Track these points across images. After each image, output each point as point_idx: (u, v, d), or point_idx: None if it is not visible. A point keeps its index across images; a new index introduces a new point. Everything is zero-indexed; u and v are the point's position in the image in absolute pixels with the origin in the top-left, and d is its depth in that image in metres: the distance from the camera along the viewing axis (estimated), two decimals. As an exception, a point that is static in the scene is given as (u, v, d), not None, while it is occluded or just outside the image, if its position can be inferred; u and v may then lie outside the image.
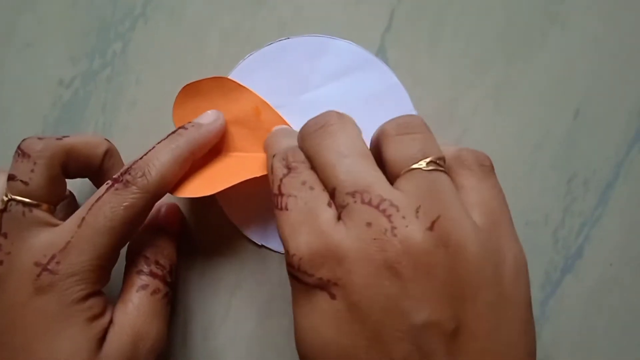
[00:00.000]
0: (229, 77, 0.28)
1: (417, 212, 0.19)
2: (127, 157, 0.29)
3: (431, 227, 0.18)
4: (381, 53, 0.29)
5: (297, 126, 0.28)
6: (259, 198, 0.28)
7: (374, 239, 0.18)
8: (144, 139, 0.29)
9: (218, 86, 0.27)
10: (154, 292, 0.24)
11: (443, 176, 0.20)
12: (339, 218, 0.20)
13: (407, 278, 0.18)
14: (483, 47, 0.29)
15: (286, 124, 0.27)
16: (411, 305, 0.18)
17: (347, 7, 0.29)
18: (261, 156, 0.27)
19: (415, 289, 0.18)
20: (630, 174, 0.29)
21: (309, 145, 0.21)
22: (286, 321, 0.28)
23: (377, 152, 0.22)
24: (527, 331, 0.20)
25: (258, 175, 0.25)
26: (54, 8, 0.30)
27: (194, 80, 0.27)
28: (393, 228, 0.18)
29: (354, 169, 0.20)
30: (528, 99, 0.29)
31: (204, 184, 0.25)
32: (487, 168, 0.22)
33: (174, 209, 0.27)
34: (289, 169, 0.21)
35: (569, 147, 0.29)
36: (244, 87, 0.27)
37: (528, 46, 0.29)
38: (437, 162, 0.20)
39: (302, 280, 0.19)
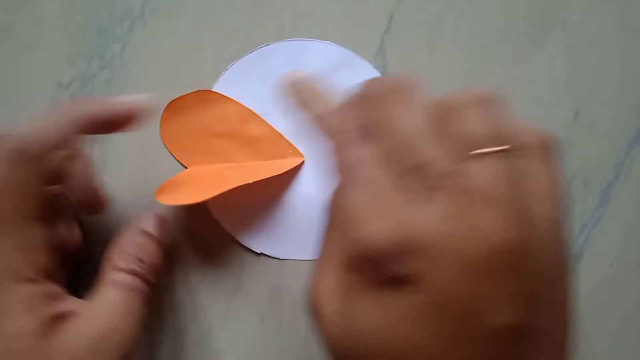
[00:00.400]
0: (213, 89, 0.28)
1: (507, 205, 0.17)
2: (126, 159, 0.29)
3: (518, 225, 0.17)
4: (381, 54, 0.29)
5: (287, 131, 0.28)
6: (253, 206, 0.28)
7: (459, 232, 0.17)
8: (142, 141, 0.29)
9: (202, 99, 0.27)
10: (130, 290, 0.23)
11: (523, 164, 0.18)
12: (416, 202, 0.17)
13: (488, 278, 0.17)
14: (483, 48, 0.29)
15: (275, 130, 0.27)
16: (489, 307, 0.17)
17: (346, 7, 0.29)
18: (250, 165, 0.27)
19: (494, 289, 0.17)
20: (630, 175, 0.28)
21: (378, 111, 0.19)
22: (286, 324, 0.28)
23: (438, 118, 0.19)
24: (572, 324, 0.19)
25: (249, 182, 0.25)
26: (52, 9, 0.30)
27: (178, 97, 0.27)
28: (482, 222, 0.17)
29: (435, 148, 0.18)
30: (528, 99, 0.29)
31: (192, 193, 0.25)
32: (552, 150, 0.20)
33: (159, 217, 0.26)
34: (352, 140, 0.19)
35: (569, 147, 0.29)
36: (228, 98, 0.27)
37: (528, 47, 0.29)
38: (516, 149, 0.18)
39: (374, 273, 0.18)
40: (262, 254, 0.28)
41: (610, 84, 0.29)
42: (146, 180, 0.29)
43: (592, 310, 0.28)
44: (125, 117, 0.23)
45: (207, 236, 0.28)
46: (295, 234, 0.28)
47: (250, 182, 0.25)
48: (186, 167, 0.28)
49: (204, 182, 0.26)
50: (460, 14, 0.29)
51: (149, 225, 0.26)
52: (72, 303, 0.22)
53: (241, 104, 0.27)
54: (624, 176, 0.29)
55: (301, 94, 0.22)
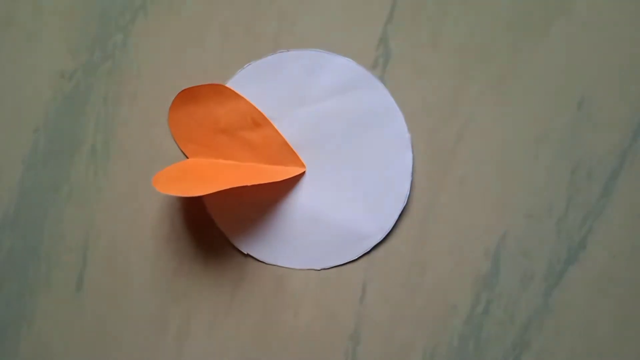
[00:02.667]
0: (227, 85, 0.28)
1: None
2: (127, 149, 0.29)
3: None
4: (383, 44, 0.29)
5: (292, 139, 0.28)
6: (247, 207, 0.28)
7: None
8: (145, 131, 0.29)
9: (215, 93, 0.27)
10: None
11: None
12: None
13: None
14: (486, 37, 0.29)
15: (281, 136, 0.27)
16: None
17: (349, -3, 0.29)
18: (250, 166, 0.27)
19: None
20: (634, 165, 0.28)
21: None
22: (290, 314, 0.28)
23: None
24: None
25: (248, 184, 0.25)
26: None
27: (192, 86, 0.27)
28: None
29: None
30: (532, 89, 0.29)
31: (193, 186, 0.25)
32: None
33: None
34: None
35: (573, 137, 0.29)
36: (241, 96, 0.27)
37: (532, 35, 0.29)
38: None
39: None
40: (248, 255, 0.28)
41: (614, 73, 0.29)
42: (150, 170, 0.29)
43: (595, 300, 0.28)
44: None
45: (211, 227, 0.29)
46: (285, 241, 0.28)
47: (249, 184, 0.25)
48: (187, 157, 0.28)
49: (202, 175, 0.26)
50: (462, 3, 0.29)
51: None
52: None
53: (253, 105, 0.27)
54: (628, 166, 0.28)
55: None
